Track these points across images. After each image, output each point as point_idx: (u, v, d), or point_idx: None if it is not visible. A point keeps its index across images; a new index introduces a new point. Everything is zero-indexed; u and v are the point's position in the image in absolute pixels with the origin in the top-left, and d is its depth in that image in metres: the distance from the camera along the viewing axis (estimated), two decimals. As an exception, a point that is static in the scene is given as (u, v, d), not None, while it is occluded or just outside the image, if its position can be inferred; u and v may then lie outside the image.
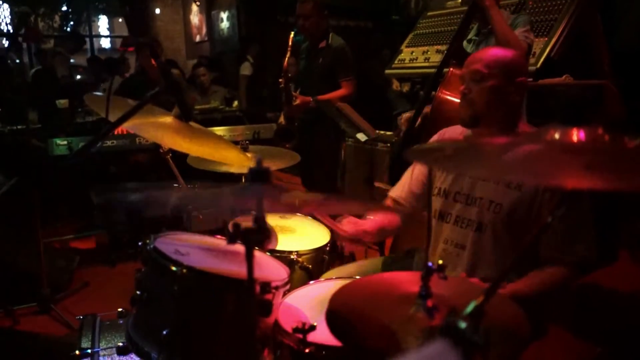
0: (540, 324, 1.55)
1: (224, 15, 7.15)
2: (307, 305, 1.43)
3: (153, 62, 3.92)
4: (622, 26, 3.43)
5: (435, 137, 1.80)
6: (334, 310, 1.08)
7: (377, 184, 2.59)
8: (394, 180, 2.82)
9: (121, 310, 1.70)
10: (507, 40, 2.15)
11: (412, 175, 1.81)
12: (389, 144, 3.71)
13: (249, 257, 0.95)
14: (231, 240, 0.93)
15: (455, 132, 1.72)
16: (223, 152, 1.69)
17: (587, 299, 1.51)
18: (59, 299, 3.00)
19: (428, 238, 1.08)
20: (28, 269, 3.00)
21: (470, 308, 0.77)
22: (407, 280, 1.14)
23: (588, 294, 2.31)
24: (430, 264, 1.05)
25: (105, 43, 11.98)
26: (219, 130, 3.92)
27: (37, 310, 2.87)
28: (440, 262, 1.03)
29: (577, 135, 0.85)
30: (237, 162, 1.78)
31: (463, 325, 0.74)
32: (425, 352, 0.53)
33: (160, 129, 1.64)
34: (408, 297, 1.08)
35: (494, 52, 1.57)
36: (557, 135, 0.83)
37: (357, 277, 1.61)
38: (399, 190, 1.84)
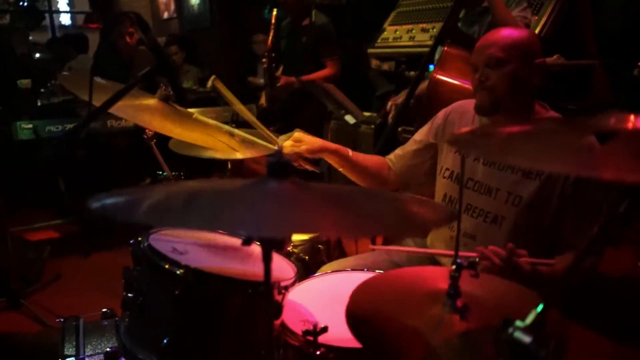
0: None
1: (193, -10, 6.85)
2: (310, 301, 1.35)
3: (131, 38, 3.65)
4: (605, 6, 3.41)
5: (447, 110, 1.71)
6: (355, 313, 0.99)
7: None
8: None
9: (106, 311, 1.58)
10: (507, 24, 2.07)
11: (417, 144, 1.75)
12: (372, 126, 3.62)
13: (267, 260, 0.84)
14: (247, 241, 0.82)
15: (469, 108, 1.61)
16: (215, 137, 1.56)
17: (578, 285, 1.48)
18: (29, 293, 2.83)
19: (458, 232, 0.99)
20: (-6, 261, 2.82)
21: (531, 317, 0.69)
22: (431, 276, 1.06)
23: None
24: (459, 260, 0.97)
25: (66, 19, 11.37)
26: (194, 112, 3.74)
27: (6, 305, 2.71)
28: (474, 258, 0.95)
29: (635, 122, 0.77)
30: (228, 148, 1.65)
31: (527, 339, 0.66)
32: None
33: (146, 112, 1.50)
34: (435, 296, 1.00)
35: (508, 34, 1.47)
36: (616, 123, 0.75)
37: (364, 269, 1.54)
38: (399, 152, 1.79)
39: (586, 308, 2.29)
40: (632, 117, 0.77)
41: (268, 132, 1.77)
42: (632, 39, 3.25)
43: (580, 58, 2.89)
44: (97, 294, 2.69)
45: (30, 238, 3.48)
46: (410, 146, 1.76)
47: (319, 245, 1.92)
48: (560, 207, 1.42)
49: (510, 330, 0.67)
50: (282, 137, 1.76)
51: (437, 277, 1.04)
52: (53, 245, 3.34)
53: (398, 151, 1.79)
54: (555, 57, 2.68)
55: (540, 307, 0.69)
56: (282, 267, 1.28)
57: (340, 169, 1.74)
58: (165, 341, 1.06)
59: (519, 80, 1.45)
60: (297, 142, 1.69)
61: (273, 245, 0.83)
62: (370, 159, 1.79)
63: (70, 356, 1.37)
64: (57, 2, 10.81)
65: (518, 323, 0.68)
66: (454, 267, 0.96)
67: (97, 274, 2.99)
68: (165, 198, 0.83)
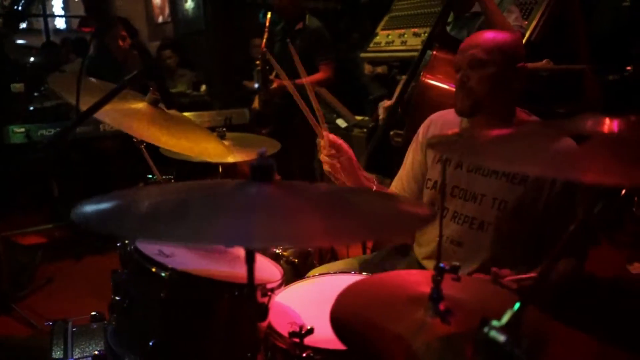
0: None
1: (188, -6, 6.86)
2: (298, 303, 1.35)
3: (124, 42, 3.67)
4: (599, 10, 3.44)
5: (426, 123, 1.71)
6: (339, 316, 1.00)
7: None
8: (371, 167, 2.76)
9: (95, 314, 1.58)
10: (498, 27, 2.09)
11: (412, 168, 1.73)
12: (365, 130, 3.65)
13: (250, 262, 0.84)
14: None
15: (449, 118, 1.63)
16: (203, 144, 1.56)
17: (569, 286, 1.50)
18: (20, 298, 2.82)
19: (440, 237, 1.00)
20: (-15, 265, 2.81)
21: (506, 317, 0.70)
22: (415, 280, 1.07)
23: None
24: (442, 264, 0.98)
25: (60, 23, 11.37)
26: (187, 116, 3.74)
27: (-3, 310, 2.70)
28: (456, 263, 0.97)
29: (611, 125, 0.79)
30: (217, 154, 1.65)
31: (502, 338, 0.67)
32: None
33: (134, 118, 1.50)
34: (418, 300, 1.01)
35: (492, 36, 1.48)
36: (592, 126, 0.76)
37: (352, 272, 1.55)
38: (399, 183, 1.75)
39: (575, 310, 2.31)
40: (607, 120, 0.79)
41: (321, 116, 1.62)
42: (624, 44, 3.29)
43: (572, 62, 2.92)
44: (89, 297, 2.69)
45: (22, 242, 3.47)
46: (407, 173, 1.73)
47: (309, 249, 1.93)
48: (546, 214, 1.42)
49: (486, 329, 0.68)
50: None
51: (421, 281, 1.05)
52: (45, 249, 3.34)
53: (397, 183, 1.75)
54: (544, 61, 2.71)
55: (516, 307, 0.70)
56: (269, 270, 1.29)
57: None
58: (151, 343, 1.06)
59: (499, 83, 1.45)
60: (339, 148, 1.55)
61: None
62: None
63: (58, 359, 1.37)
64: (52, 5, 10.81)
65: (494, 322, 0.69)
66: (436, 271, 0.97)
67: (89, 277, 2.99)
68: (147, 210, 0.80)
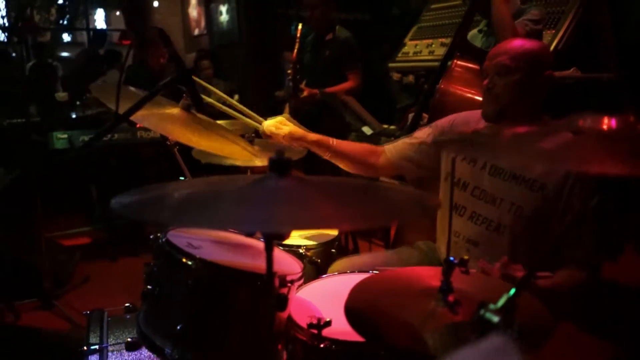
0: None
1: (223, 8, 7.07)
2: (319, 299, 1.41)
3: (163, 58, 3.84)
4: (630, 18, 3.40)
5: (449, 119, 1.75)
6: (353, 305, 1.06)
7: (381, 178, 2.55)
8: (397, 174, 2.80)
9: (128, 305, 1.68)
10: (502, 22, 2.13)
11: (411, 141, 1.78)
12: (392, 138, 3.68)
13: (269, 251, 0.92)
14: (250, 233, 0.91)
15: (472, 119, 1.66)
16: (232, 146, 1.65)
17: (592, 294, 1.50)
18: (60, 294, 2.98)
19: (449, 231, 1.05)
20: (29, 263, 2.98)
21: (502, 301, 0.75)
22: (427, 274, 1.12)
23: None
24: (452, 258, 1.03)
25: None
26: (220, 123, 3.87)
27: (39, 305, 2.85)
28: (466, 257, 1.01)
29: (609, 123, 0.83)
30: (245, 156, 1.74)
31: (496, 319, 0.72)
32: (482, 348, 0.50)
33: (168, 121, 1.61)
34: (429, 292, 1.06)
35: (520, 44, 1.51)
36: (590, 124, 0.81)
37: (371, 271, 1.60)
38: (392, 144, 1.84)
39: (598, 317, 2.28)
40: (605, 119, 0.83)
41: (252, 112, 1.89)
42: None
43: (600, 71, 2.89)
44: (123, 295, 2.79)
45: (63, 243, 3.65)
46: (409, 139, 1.80)
47: (332, 250, 1.99)
48: (565, 220, 1.43)
49: (482, 311, 0.73)
50: (269, 119, 1.83)
51: (432, 275, 1.11)
52: (83, 250, 3.52)
53: (397, 141, 1.84)
54: (572, 69, 2.71)
55: (511, 292, 0.75)
56: (289, 264, 1.36)
57: (326, 158, 1.80)
58: (179, 327, 1.14)
59: (525, 90, 1.48)
60: (280, 125, 1.77)
61: (274, 236, 0.92)
62: (355, 146, 1.85)
63: (94, 344, 1.47)
64: (95, 20, 11.31)
65: (491, 306, 0.74)
66: (445, 264, 1.02)
67: (124, 277, 3.12)
68: (179, 200, 0.90)
